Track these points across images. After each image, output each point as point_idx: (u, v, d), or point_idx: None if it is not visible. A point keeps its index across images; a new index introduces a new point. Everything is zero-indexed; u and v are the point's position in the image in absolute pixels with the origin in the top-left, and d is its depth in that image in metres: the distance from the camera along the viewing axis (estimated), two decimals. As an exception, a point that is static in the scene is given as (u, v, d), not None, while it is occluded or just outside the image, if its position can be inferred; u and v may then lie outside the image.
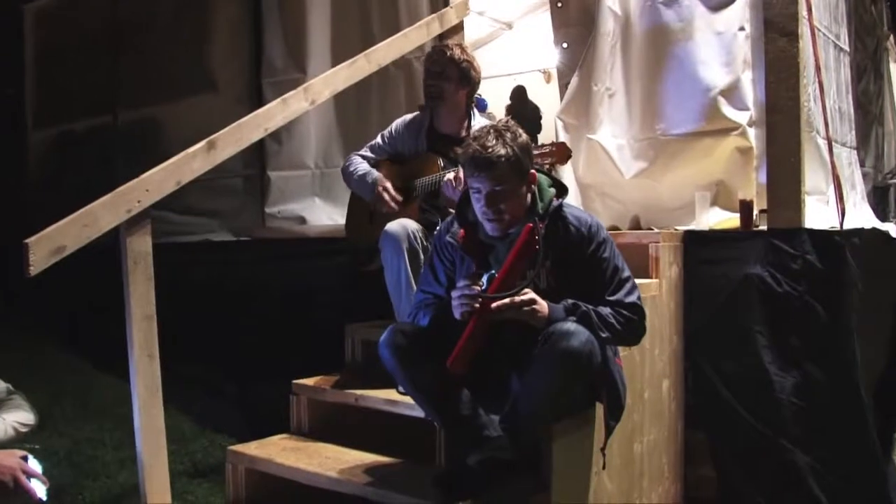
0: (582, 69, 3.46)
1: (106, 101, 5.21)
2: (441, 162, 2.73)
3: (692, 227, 3.15)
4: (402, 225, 2.57)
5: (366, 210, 2.90)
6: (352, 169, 2.87)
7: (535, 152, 2.41)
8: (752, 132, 3.14)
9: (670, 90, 3.28)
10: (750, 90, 3.15)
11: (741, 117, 3.14)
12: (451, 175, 2.58)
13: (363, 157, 2.91)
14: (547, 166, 2.42)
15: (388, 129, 2.92)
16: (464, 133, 2.82)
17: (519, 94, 7.25)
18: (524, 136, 2.03)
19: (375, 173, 2.80)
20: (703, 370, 2.96)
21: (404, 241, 2.54)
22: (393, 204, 2.73)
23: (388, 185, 2.76)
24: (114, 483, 2.87)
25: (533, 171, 2.06)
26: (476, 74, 2.83)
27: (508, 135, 1.99)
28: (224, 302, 4.01)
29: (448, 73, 2.77)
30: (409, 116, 2.93)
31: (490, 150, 1.96)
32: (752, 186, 3.11)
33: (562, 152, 2.49)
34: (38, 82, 5.87)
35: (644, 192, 3.34)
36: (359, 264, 2.89)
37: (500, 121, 2.10)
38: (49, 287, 3.04)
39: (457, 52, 2.80)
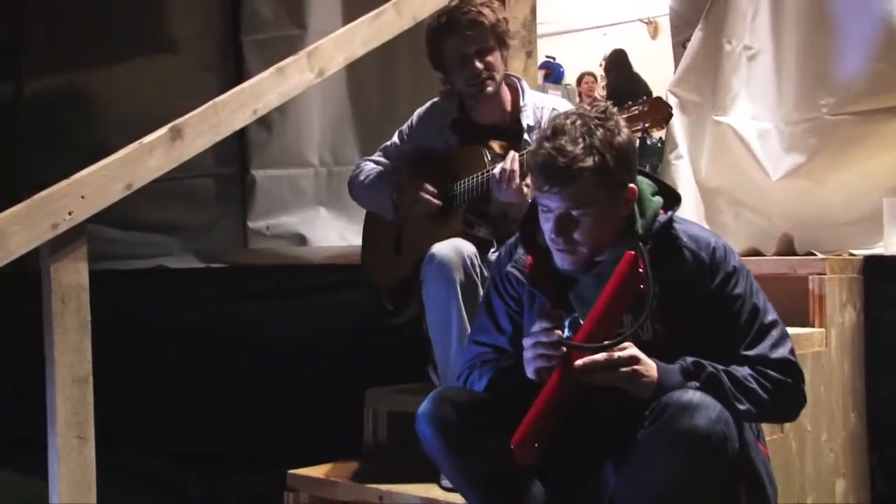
0: (708, 18, 3.48)
1: (5, 62, 5.29)
2: (487, 154, 2.78)
3: (878, 250, 3.14)
4: (454, 247, 2.61)
5: (390, 235, 2.97)
6: (361, 178, 2.97)
7: (623, 116, 2.42)
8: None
9: (847, 45, 3.28)
10: None
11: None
12: (497, 169, 2.63)
13: (376, 163, 3.00)
14: (638, 135, 2.38)
15: (409, 121, 3.01)
16: (509, 119, 2.86)
17: (618, 61, 7.19)
18: (626, 134, 1.99)
19: (394, 176, 2.90)
20: (901, 467, 2.94)
21: (457, 270, 2.57)
22: (434, 201, 2.80)
23: (421, 182, 2.82)
24: None
25: (633, 185, 2.03)
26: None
27: (601, 132, 1.95)
28: (187, 357, 4.08)
29: (491, 45, 2.78)
30: (436, 103, 2.99)
31: (570, 156, 1.92)
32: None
33: (657, 112, 2.44)
34: None
35: (801, 199, 3.34)
36: (384, 315, 2.95)
37: (594, 105, 2.08)
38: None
39: (485, 11, 2.78)
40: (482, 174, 2.74)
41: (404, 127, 3.02)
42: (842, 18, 3.31)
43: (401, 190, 2.87)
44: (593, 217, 1.97)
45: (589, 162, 1.92)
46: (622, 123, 2.00)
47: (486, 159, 2.76)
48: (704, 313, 2.04)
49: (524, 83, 2.93)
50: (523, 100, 2.86)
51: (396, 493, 2.64)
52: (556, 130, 1.96)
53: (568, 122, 1.97)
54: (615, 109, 2.04)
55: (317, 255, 4.22)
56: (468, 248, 2.62)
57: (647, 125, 2.43)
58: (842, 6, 3.31)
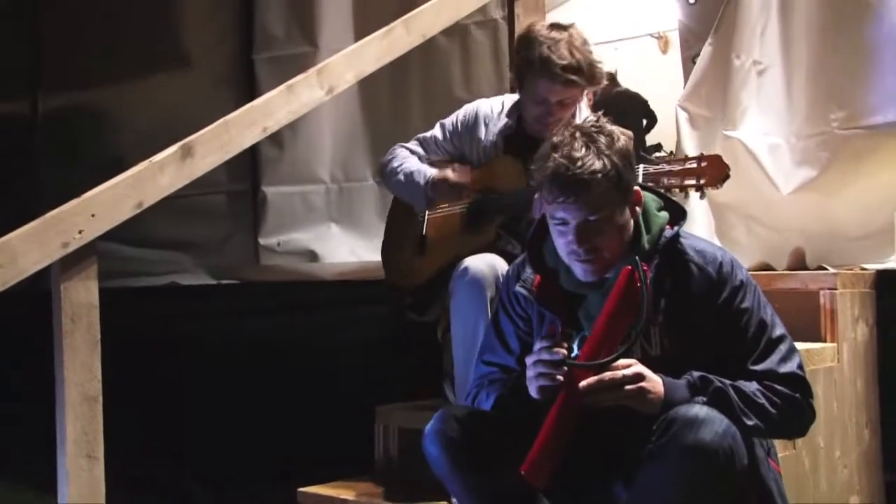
0: (718, 33, 3.46)
1: (21, 79, 5.35)
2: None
3: (890, 264, 3.12)
4: (488, 262, 2.59)
5: (414, 233, 2.94)
6: (396, 164, 2.92)
7: (674, 168, 2.39)
8: None
9: (858, 59, 3.27)
10: None
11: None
12: None
13: (411, 151, 2.96)
14: (695, 190, 2.38)
15: (454, 117, 2.96)
16: None
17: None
18: (624, 139, 2.03)
19: (430, 169, 2.85)
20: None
21: (490, 287, 2.55)
22: (458, 185, 2.75)
23: (452, 174, 2.79)
24: None
25: (637, 187, 2.07)
26: None
27: (603, 139, 1.99)
28: (199, 373, 4.09)
29: (573, 101, 2.75)
30: (488, 103, 2.93)
31: (581, 163, 1.95)
32: None
33: (716, 170, 2.38)
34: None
35: (812, 213, 3.32)
36: (408, 310, 2.90)
37: (586, 119, 2.11)
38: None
39: (584, 73, 2.71)
40: (529, 192, 2.65)
41: (448, 121, 2.96)
42: (852, 33, 3.30)
43: (428, 187, 2.82)
44: (610, 220, 2.00)
45: (598, 165, 1.95)
46: (617, 132, 2.03)
47: (527, 176, 2.72)
48: (712, 328, 2.04)
49: (582, 104, 2.89)
50: (580, 117, 2.82)
51: (406, 512, 2.64)
52: (557, 144, 1.99)
53: (567, 134, 2.00)
54: (605, 119, 2.06)
55: (328, 272, 4.24)
56: (501, 264, 2.59)
57: (702, 182, 2.38)
58: (851, 21, 3.30)
